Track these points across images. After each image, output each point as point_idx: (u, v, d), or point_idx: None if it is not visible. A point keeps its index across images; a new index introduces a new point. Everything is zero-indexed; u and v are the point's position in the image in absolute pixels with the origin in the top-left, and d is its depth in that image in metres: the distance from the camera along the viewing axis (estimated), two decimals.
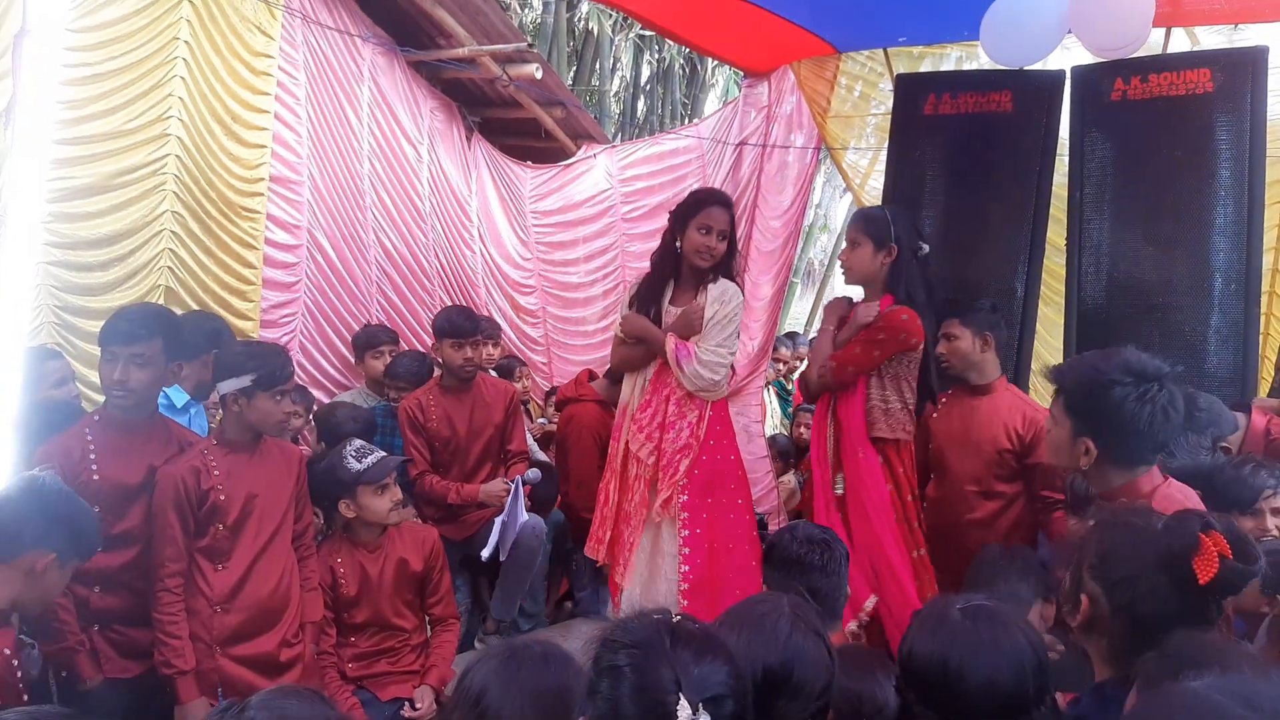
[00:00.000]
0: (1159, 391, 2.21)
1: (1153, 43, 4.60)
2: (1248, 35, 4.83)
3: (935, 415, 3.70)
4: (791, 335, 8.28)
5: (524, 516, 4.00)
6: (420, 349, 5.16)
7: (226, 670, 2.95)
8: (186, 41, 3.98)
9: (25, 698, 2.21)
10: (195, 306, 4.03)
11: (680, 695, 1.23)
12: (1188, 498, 2.24)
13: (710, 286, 3.55)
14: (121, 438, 2.88)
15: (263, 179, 4.35)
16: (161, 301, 3.98)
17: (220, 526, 2.97)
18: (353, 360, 4.77)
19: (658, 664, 1.27)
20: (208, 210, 4.11)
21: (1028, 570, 2.94)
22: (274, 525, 3.07)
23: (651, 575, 3.55)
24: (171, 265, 4.02)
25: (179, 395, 3.48)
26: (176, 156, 3.99)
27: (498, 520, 3.95)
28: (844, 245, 3.53)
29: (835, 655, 1.70)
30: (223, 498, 2.96)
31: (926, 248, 3.65)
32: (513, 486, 3.97)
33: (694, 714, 1.21)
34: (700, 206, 3.53)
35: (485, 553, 3.90)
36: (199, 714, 2.84)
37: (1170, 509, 1.93)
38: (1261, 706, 1.07)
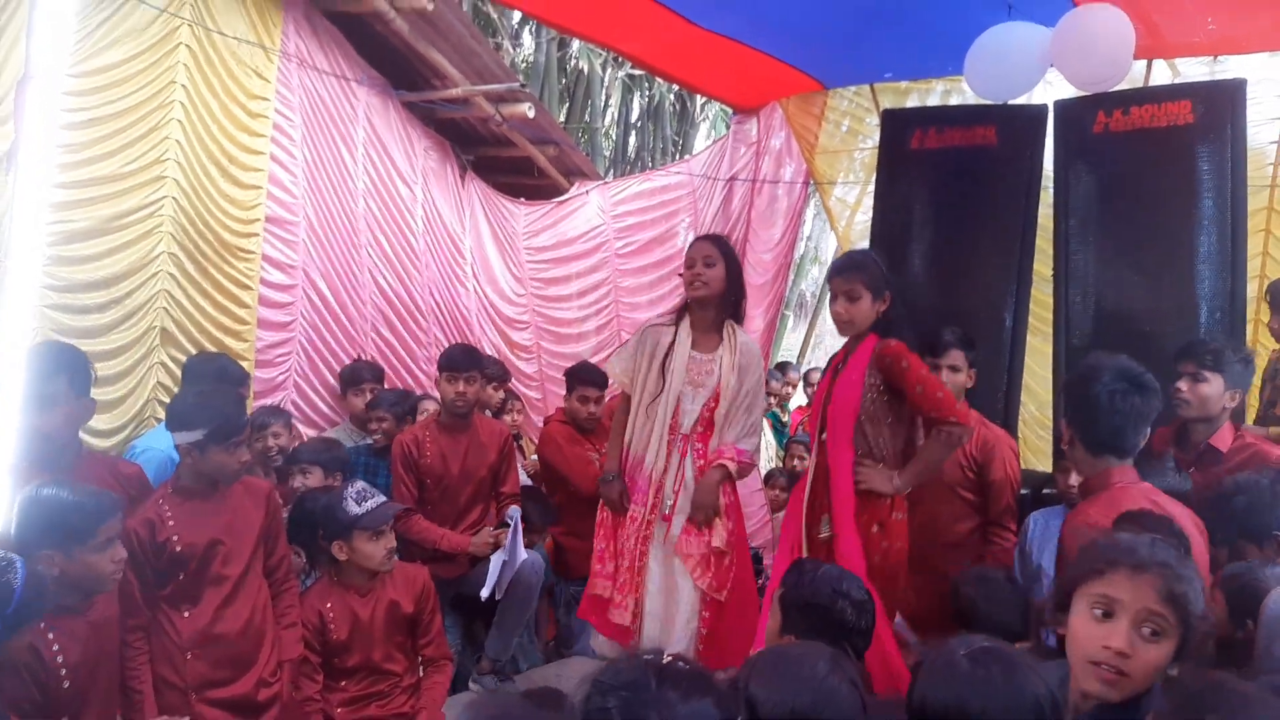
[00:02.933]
0: (1133, 395, 2.53)
1: (1135, 74, 4.69)
2: (1228, 66, 4.92)
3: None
4: (782, 366, 8.33)
5: (523, 554, 3.99)
6: (415, 387, 5.18)
7: (204, 715, 2.91)
8: (184, 85, 4.03)
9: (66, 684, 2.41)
10: (191, 348, 4.04)
11: None
12: (1151, 501, 2.47)
13: (730, 346, 3.55)
14: None
15: (258, 219, 4.38)
16: (158, 343, 4.00)
17: (182, 574, 2.93)
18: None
19: (645, 707, 1.26)
20: (204, 251, 4.14)
21: (1004, 601, 2.97)
22: (241, 566, 3.02)
23: (667, 615, 3.54)
24: (167, 306, 4.03)
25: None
26: (173, 199, 4.02)
27: (494, 558, 3.93)
28: (837, 296, 3.29)
29: (868, 708, 1.71)
30: (179, 548, 2.90)
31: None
32: (512, 524, 3.96)
33: None
34: (687, 250, 3.60)
35: (484, 592, 3.87)
36: None
37: (1126, 503, 2.42)
38: None
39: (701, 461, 3.54)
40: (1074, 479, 3.36)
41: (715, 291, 3.52)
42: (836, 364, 3.39)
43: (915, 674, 1.61)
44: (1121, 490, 2.55)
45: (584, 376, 4.70)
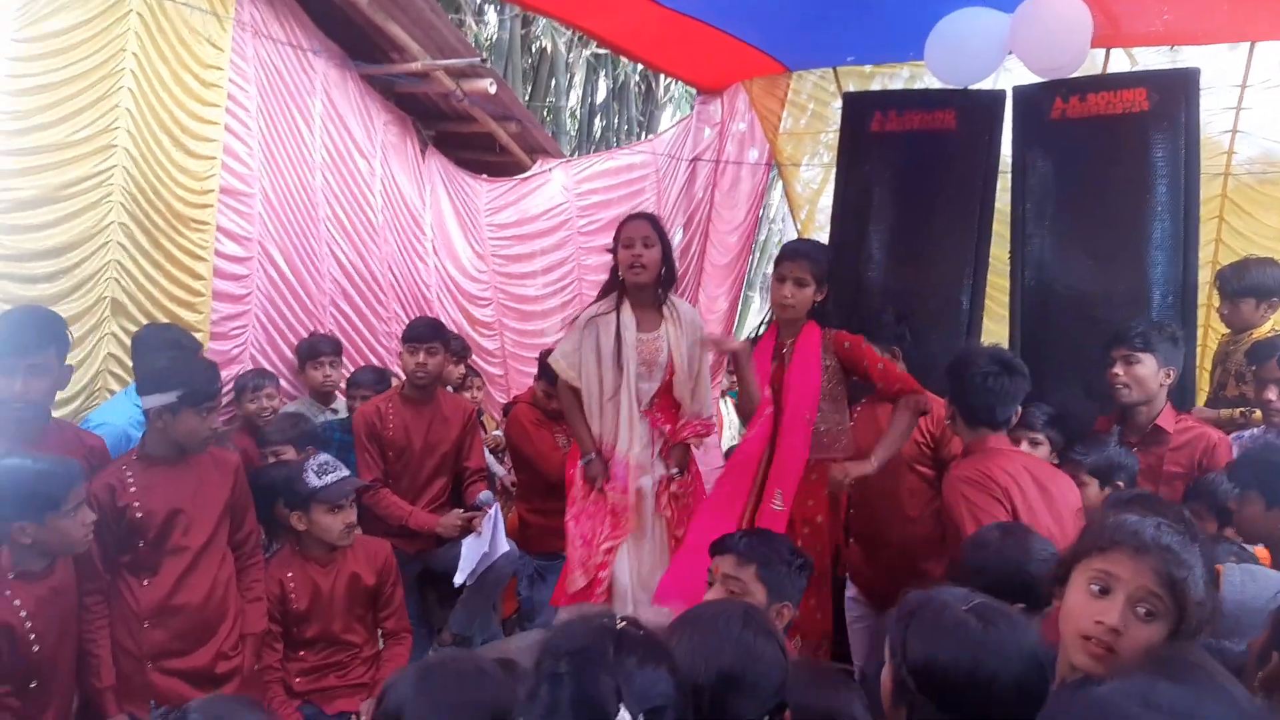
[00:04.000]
0: (1003, 377, 2.99)
1: (1094, 63, 4.75)
2: (1185, 56, 4.99)
3: (852, 424, 3.76)
4: None
5: (504, 546, 3.98)
6: (374, 362, 5.14)
7: (158, 684, 2.90)
8: (134, 53, 3.93)
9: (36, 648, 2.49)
10: (143, 318, 3.96)
11: (621, 706, 1.21)
12: (1022, 462, 2.97)
13: (673, 319, 3.56)
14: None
15: (212, 190, 4.30)
16: (108, 314, 3.93)
17: (140, 543, 2.91)
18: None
19: (599, 672, 1.25)
20: (155, 222, 4.06)
21: None
22: (203, 538, 3.00)
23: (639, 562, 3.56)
24: (118, 277, 3.96)
25: None
26: (124, 168, 3.93)
27: (469, 544, 3.92)
28: (785, 280, 3.37)
29: (788, 654, 1.71)
30: (138, 515, 2.89)
31: None
32: (492, 514, 3.95)
33: None
34: (620, 229, 3.54)
35: (458, 579, 3.87)
36: None
37: (999, 460, 2.91)
38: (1159, 705, 1.10)
39: (668, 426, 3.59)
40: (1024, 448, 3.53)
41: (654, 274, 3.51)
42: (777, 350, 3.47)
43: (907, 631, 1.56)
44: (995, 451, 2.98)
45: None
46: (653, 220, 3.56)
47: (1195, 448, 3.33)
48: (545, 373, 4.60)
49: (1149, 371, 3.34)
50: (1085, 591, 1.67)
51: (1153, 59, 5.16)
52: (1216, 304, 4.20)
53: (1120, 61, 5.24)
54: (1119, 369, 3.38)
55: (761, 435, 3.41)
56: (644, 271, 3.46)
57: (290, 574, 3.30)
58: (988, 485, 2.86)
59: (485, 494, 4.13)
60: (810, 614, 3.26)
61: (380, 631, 3.53)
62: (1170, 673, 1.21)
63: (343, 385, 4.70)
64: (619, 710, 1.21)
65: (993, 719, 1.44)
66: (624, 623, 1.37)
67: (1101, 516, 1.89)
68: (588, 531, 3.59)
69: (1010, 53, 4.28)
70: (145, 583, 2.93)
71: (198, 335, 4.18)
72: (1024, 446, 3.59)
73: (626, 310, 3.54)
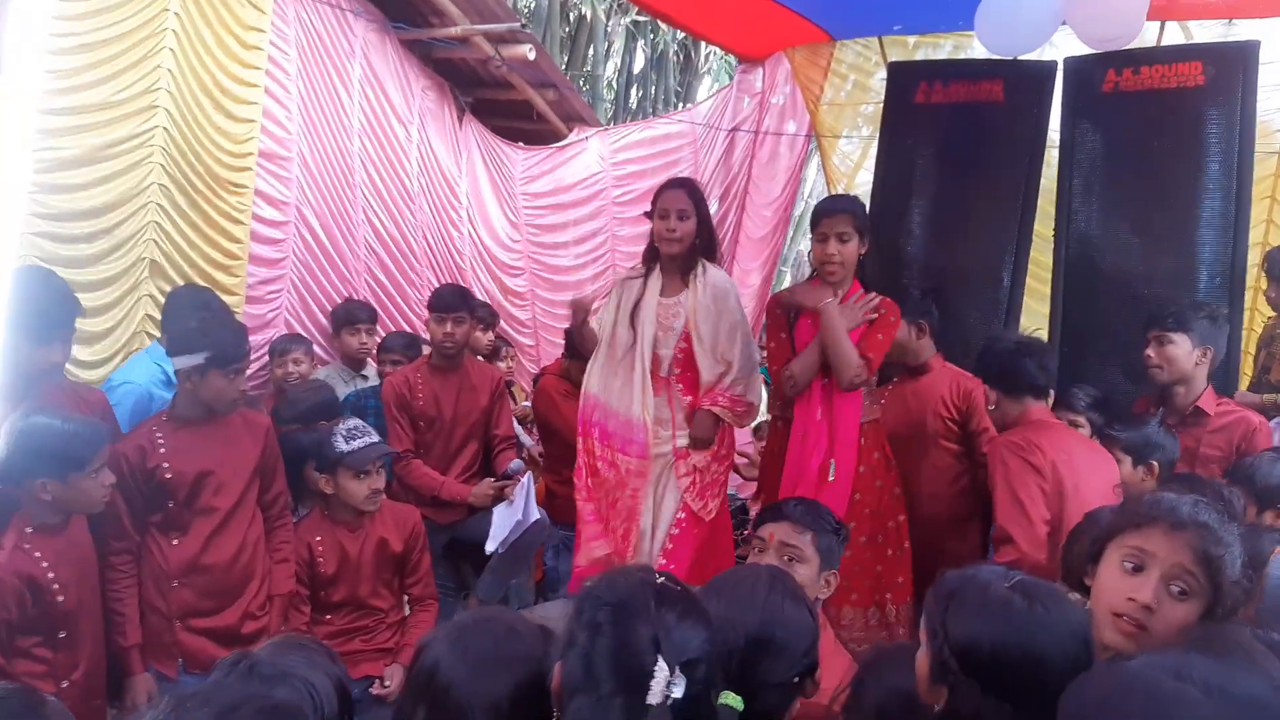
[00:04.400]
0: (1025, 344, 3.25)
1: (1148, 36, 4.61)
2: (1240, 31, 4.85)
3: (884, 401, 3.74)
4: None
5: (536, 514, 3.97)
6: (407, 329, 5.15)
7: (186, 643, 2.94)
8: (176, 13, 3.93)
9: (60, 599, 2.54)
10: (180, 280, 3.99)
11: (660, 657, 1.22)
12: (1065, 429, 3.21)
13: (697, 286, 3.44)
14: None
15: (251, 154, 4.31)
16: (146, 275, 3.95)
17: (170, 503, 2.93)
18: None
19: (639, 623, 1.26)
20: (194, 184, 4.08)
21: None
22: (233, 499, 3.01)
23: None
24: (157, 239, 3.98)
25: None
26: (164, 129, 3.95)
27: (500, 513, 3.91)
28: (828, 238, 3.26)
29: (817, 616, 1.73)
30: (168, 476, 2.90)
31: None
32: (525, 483, 3.94)
33: (670, 675, 1.21)
34: (657, 196, 3.46)
35: (489, 546, 3.86)
36: (144, 687, 2.87)
37: (1045, 429, 3.04)
38: (1191, 678, 1.07)
39: (690, 398, 3.48)
40: None
41: (688, 245, 3.44)
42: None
43: (948, 612, 1.51)
44: (1043, 424, 3.09)
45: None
46: (690, 189, 3.47)
47: (1234, 431, 3.26)
48: (572, 350, 4.58)
49: (1182, 352, 3.26)
50: (1119, 568, 1.64)
51: (1208, 34, 5.02)
52: (1264, 286, 4.10)
53: (1174, 35, 5.10)
54: (1151, 350, 3.32)
55: (815, 406, 3.36)
56: (678, 244, 3.41)
57: (319, 538, 3.31)
58: (1031, 454, 2.86)
59: (516, 462, 4.12)
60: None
61: (406, 598, 3.54)
62: (1204, 648, 1.18)
63: (374, 352, 4.71)
64: (656, 661, 1.22)
65: (1039, 698, 1.39)
66: (663, 578, 1.38)
67: (1138, 494, 1.85)
68: (602, 505, 3.60)
69: (1064, 23, 4.16)
70: (175, 542, 2.95)
71: (233, 299, 4.20)
72: None
73: (655, 276, 3.53)
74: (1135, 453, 3.11)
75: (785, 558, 2.31)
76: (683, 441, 3.49)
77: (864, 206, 3.43)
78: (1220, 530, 1.59)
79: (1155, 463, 3.09)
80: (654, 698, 1.20)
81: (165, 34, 3.92)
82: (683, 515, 3.45)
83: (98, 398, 3.12)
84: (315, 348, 4.57)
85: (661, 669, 1.21)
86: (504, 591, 4.25)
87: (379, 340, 4.74)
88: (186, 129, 4.03)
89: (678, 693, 1.21)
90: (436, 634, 1.57)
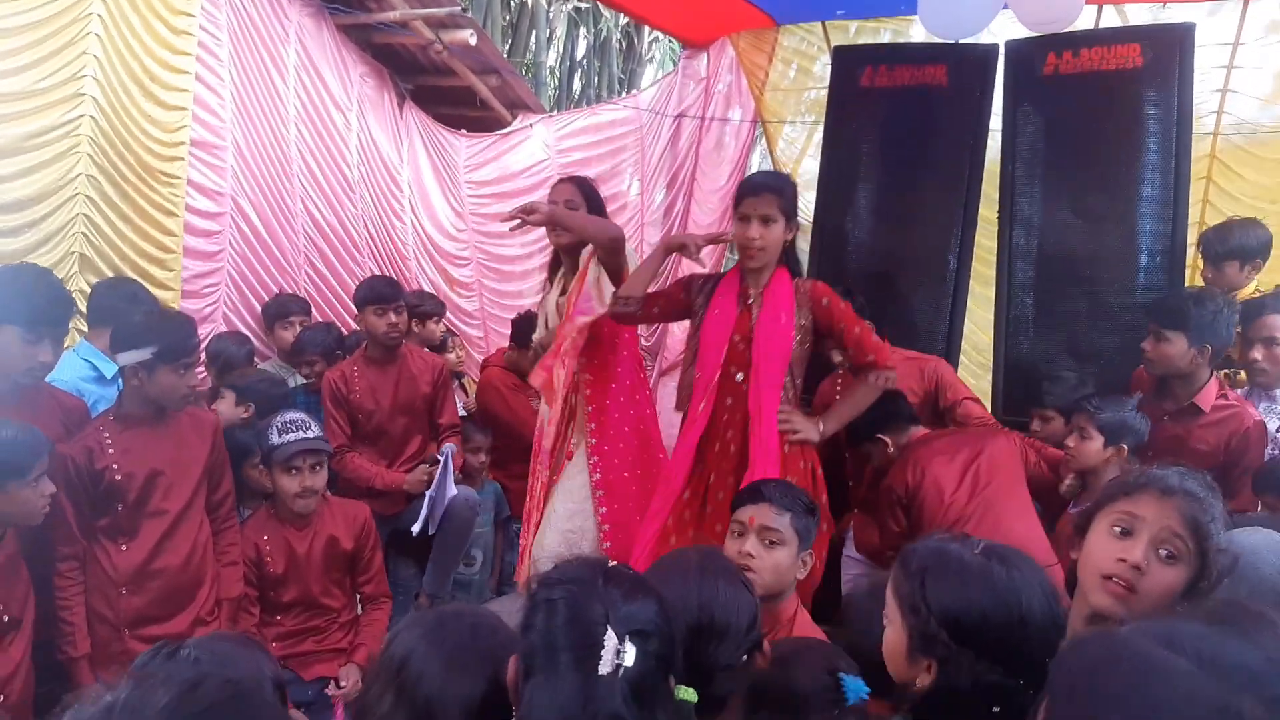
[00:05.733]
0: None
1: (1086, 20, 4.67)
2: (1172, 14, 4.93)
3: (839, 395, 3.66)
4: None
5: (453, 490, 3.94)
6: (350, 321, 5.04)
7: (136, 652, 2.80)
8: None
9: None
10: (111, 274, 3.85)
11: (609, 627, 1.27)
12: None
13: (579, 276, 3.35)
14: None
15: (183, 143, 4.17)
16: (76, 270, 3.81)
17: (120, 506, 2.83)
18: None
19: (590, 598, 1.31)
20: (124, 175, 3.93)
21: None
22: (184, 500, 2.92)
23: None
24: (86, 231, 3.83)
25: (109, 366, 3.33)
26: (91, 118, 3.80)
27: (427, 494, 3.89)
28: (749, 220, 2.96)
29: (754, 591, 1.75)
30: (119, 477, 2.80)
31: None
32: (442, 459, 3.90)
33: (619, 644, 1.25)
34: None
35: (415, 528, 3.83)
36: None
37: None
38: (1182, 646, 1.06)
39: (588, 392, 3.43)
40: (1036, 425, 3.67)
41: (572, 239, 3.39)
42: (742, 298, 3.07)
43: (924, 586, 1.52)
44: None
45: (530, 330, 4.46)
46: (581, 183, 3.50)
47: (1226, 427, 3.20)
48: (519, 337, 4.52)
49: (1176, 351, 3.19)
50: (1108, 534, 1.67)
51: (1142, 16, 5.10)
52: (1200, 266, 4.17)
53: (1111, 18, 5.17)
54: (1148, 344, 3.28)
55: (704, 416, 3.04)
56: (566, 236, 3.41)
57: (266, 536, 3.23)
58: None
59: (449, 445, 4.09)
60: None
61: (359, 596, 3.48)
62: (1199, 615, 1.17)
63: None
64: (606, 631, 1.26)
65: (1024, 658, 1.44)
66: (613, 563, 1.42)
67: (1125, 472, 1.89)
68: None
69: (1005, 7, 4.18)
70: (124, 547, 2.85)
71: (169, 293, 4.08)
72: (1035, 424, 3.68)
73: (558, 278, 3.65)
74: (1109, 433, 3.14)
75: (766, 541, 2.29)
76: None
77: (794, 187, 3.07)
78: (1209, 499, 1.63)
79: (1124, 446, 3.14)
80: (605, 667, 1.24)
81: (90, 19, 3.78)
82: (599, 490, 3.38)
83: (75, 404, 3.01)
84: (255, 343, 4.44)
85: (611, 637, 1.25)
86: (449, 583, 4.20)
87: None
88: (115, 118, 3.89)
89: (628, 660, 1.25)
90: (412, 622, 1.55)
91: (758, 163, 9.73)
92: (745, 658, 1.66)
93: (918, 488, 3.15)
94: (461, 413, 4.67)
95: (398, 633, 1.52)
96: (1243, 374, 3.62)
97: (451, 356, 4.94)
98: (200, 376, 3.82)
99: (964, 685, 1.46)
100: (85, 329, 3.48)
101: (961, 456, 3.19)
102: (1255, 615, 1.16)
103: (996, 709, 1.44)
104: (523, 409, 4.45)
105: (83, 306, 3.75)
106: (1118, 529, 1.66)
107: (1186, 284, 4.13)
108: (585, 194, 3.45)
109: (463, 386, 4.99)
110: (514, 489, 4.56)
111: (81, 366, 3.31)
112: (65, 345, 3.63)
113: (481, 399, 4.69)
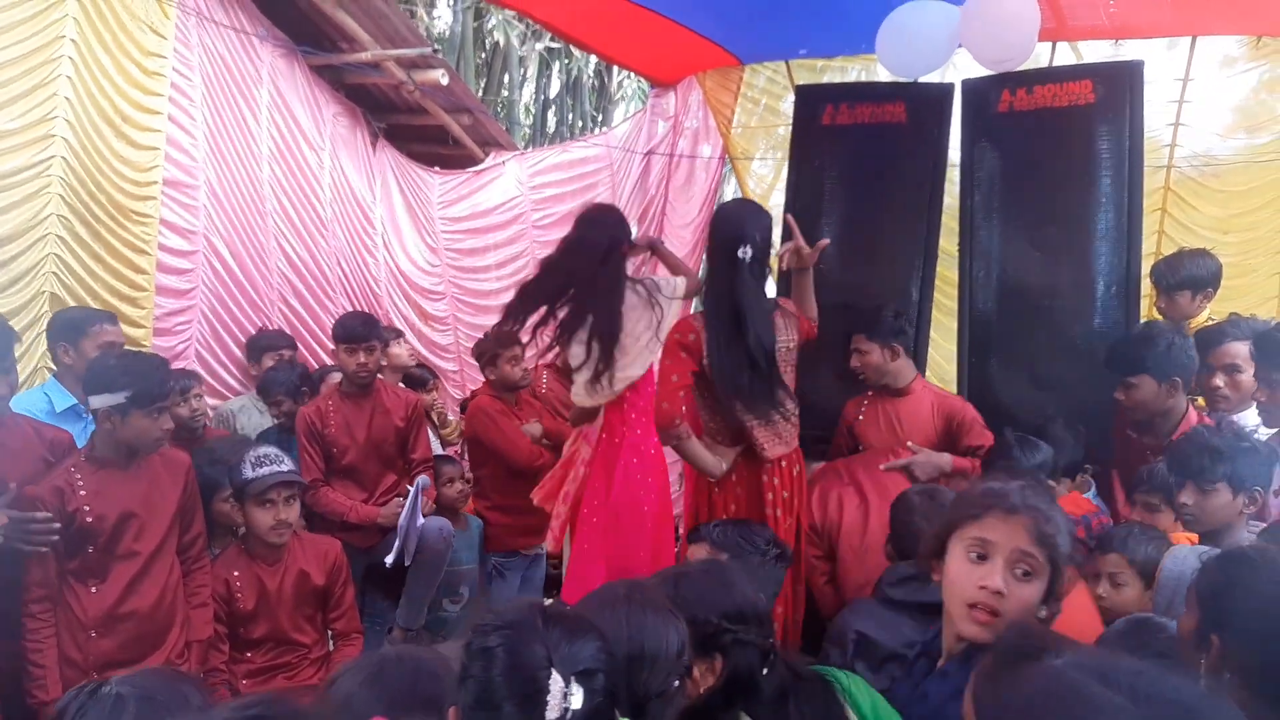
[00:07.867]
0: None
1: (1039, 58, 4.80)
2: (1127, 51, 5.07)
3: (861, 419, 3.75)
4: None
5: (421, 520, 3.95)
6: (325, 358, 5.06)
7: None
8: (73, 40, 3.83)
9: None
10: None
11: (552, 670, 1.24)
12: None
13: None
14: None
15: (155, 182, 4.21)
16: (46, 309, 3.82)
17: (91, 548, 2.81)
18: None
19: (530, 642, 1.28)
20: (96, 215, 3.96)
21: None
22: (155, 542, 2.91)
23: None
24: (57, 271, 3.85)
25: (62, 398, 3.33)
26: (63, 158, 3.83)
27: (399, 524, 3.90)
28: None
29: (680, 619, 1.72)
30: (90, 520, 2.79)
31: (749, 251, 3.03)
32: (412, 490, 3.92)
33: (565, 686, 1.22)
34: None
35: (389, 559, 3.84)
36: None
37: None
38: (1118, 682, 1.08)
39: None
40: None
41: None
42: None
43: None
44: None
45: (503, 340, 4.40)
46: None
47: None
48: (495, 350, 4.48)
49: (1147, 394, 3.25)
50: (965, 560, 1.72)
51: (1097, 53, 5.25)
52: (1154, 297, 4.27)
53: (1066, 56, 5.32)
54: (1119, 394, 3.33)
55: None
56: None
57: (236, 573, 3.22)
58: None
59: (423, 478, 4.10)
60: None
61: (330, 633, 3.47)
62: (1131, 646, 1.19)
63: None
64: (550, 674, 1.23)
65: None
66: (550, 602, 1.42)
67: (969, 487, 1.96)
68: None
69: (960, 45, 4.30)
70: (94, 589, 2.83)
71: (141, 330, 4.10)
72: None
73: None
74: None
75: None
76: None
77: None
78: (1049, 510, 1.70)
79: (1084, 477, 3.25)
80: (552, 712, 1.22)
81: (61, 61, 3.82)
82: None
83: (56, 435, 3.01)
84: (216, 382, 4.48)
85: (556, 680, 1.23)
86: (423, 615, 4.19)
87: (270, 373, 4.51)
88: (86, 158, 3.92)
89: (575, 704, 1.23)
90: (354, 669, 1.54)
91: (728, 197, 9.87)
92: (676, 684, 1.68)
93: None
94: (437, 449, 4.68)
95: (339, 676, 1.51)
96: (1201, 400, 3.70)
97: (430, 397, 4.97)
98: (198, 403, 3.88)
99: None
100: (54, 367, 3.49)
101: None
102: (1158, 627, 1.20)
103: None
104: (513, 431, 4.46)
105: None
106: (973, 554, 1.71)
107: (1143, 314, 4.22)
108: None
109: (432, 420, 5.00)
110: (496, 521, 4.57)
111: (37, 399, 3.35)
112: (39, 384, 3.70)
113: (471, 425, 4.66)
